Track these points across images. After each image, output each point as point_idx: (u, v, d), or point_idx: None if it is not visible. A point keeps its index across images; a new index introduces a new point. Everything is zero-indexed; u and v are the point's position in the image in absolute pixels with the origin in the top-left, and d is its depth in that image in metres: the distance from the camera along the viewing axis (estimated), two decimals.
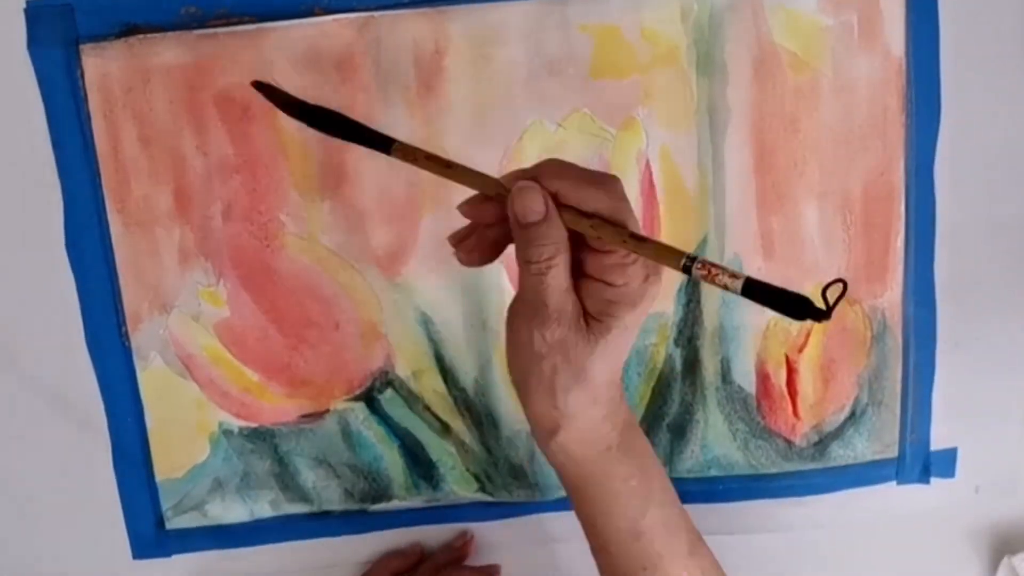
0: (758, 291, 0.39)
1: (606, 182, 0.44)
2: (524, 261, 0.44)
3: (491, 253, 0.47)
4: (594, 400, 0.46)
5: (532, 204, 0.43)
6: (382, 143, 0.47)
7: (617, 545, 0.49)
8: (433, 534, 0.63)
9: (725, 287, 0.40)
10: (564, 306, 0.44)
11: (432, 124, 0.56)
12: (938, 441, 0.63)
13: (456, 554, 0.63)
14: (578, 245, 0.44)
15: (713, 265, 0.40)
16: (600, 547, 0.50)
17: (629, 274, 0.43)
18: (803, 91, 0.58)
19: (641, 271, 0.43)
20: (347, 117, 0.47)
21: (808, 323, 0.60)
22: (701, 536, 0.51)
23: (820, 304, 0.38)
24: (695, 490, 0.63)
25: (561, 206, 0.43)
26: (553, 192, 0.43)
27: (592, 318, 0.45)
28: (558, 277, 0.44)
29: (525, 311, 0.45)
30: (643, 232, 0.44)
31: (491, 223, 0.46)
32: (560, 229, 0.43)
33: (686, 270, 0.40)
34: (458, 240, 0.48)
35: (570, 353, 0.45)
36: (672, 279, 0.59)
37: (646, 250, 0.42)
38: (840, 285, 0.39)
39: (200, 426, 0.60)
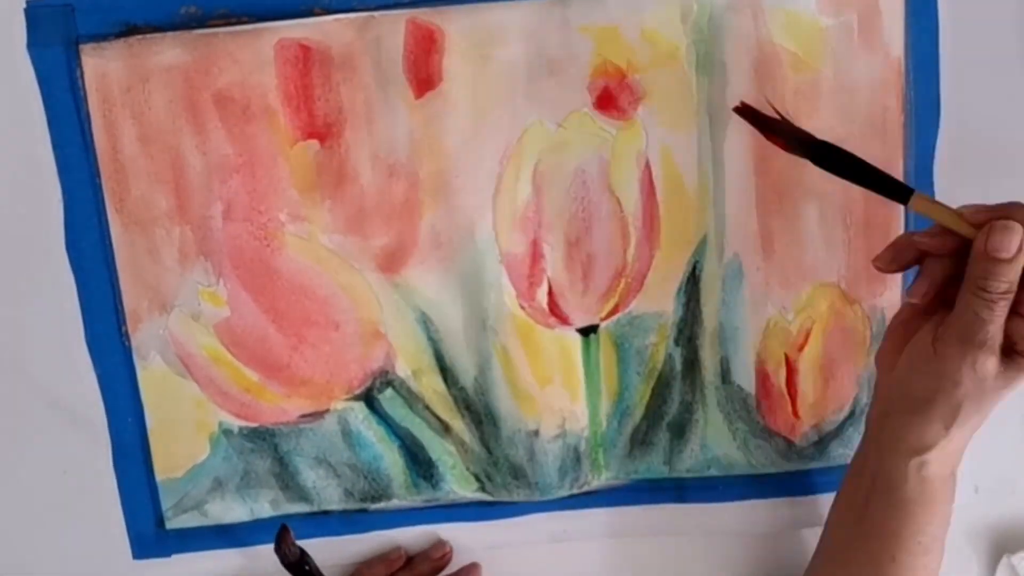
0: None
1: None
2: (978, 289, 0.48)
3: (936, 287, 0.51)
4: (976, 429, 0.51)
5: (1010, 243, 0.47)
6: (899, 192, 0.51)
7: (907, 555, 0.53)
8: (433, 534, 0.63)
9: None
10: (998, 339, 0.48)
11: (432, 124, 0.56)
12: None
13: (435, 564, 0.63)
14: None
15: None
16: (886, 556, 0.53)
17: None
18: (803, 91, 0.58)
19: None
20: (862, 160, 0.52)
21: (808, 323, 0.60)
22: None
23: None
24: (695, 489, 0.63)
25: None
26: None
27: (1017, 354, 0.48)
28: (1003, 312, 0.48)
29: (958, 336, 0.49)
30: None
31: (944, 255, 0.50)
32: (1019, 270, 0.48)
33: None
34: (895, 263, 0.53)
35: (988, 384, 0.49)
36: (671, 278, 0.59)
37: None
38: None
39: (200, 426, 0.60)
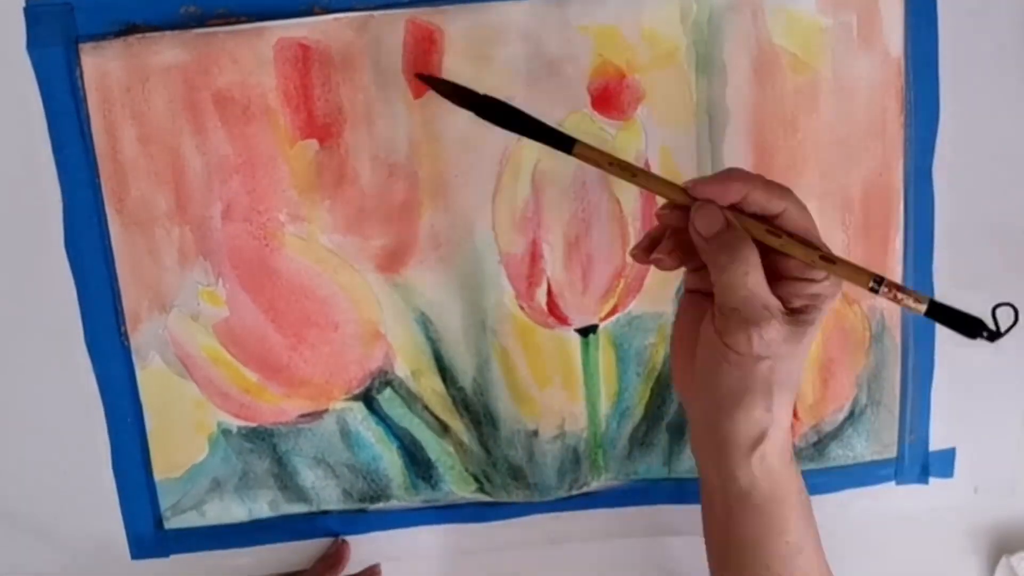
0: (940, 312, 0.44)
1: (786, 192, 0.47)
2: (719, 272, 0.46)
3: (688, 255, 0.49)
4: (791, 401, 0.48)
5: (712, 218, 0.46)
6: (563, 142, 0.50)
7: (781, 561, 0.50)
8: (432, 534, 0.63)
9: (909, 308, 0.44)
10: (771, 304, 0.46)
11: (432, 124, 0.56)
12: (937, 441, 0.63)
13: (331, 561, 0.62)
14: (766, 252, 0.47)
15: (899, 288, 0.44)
16: (759, 566, 0.50)
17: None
18: (802, 92, 0.58)
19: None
20: (525, 113, 0.51)
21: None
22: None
23: (992, 326, 0.43)
24: (695, 490, 0.62)
25: (746, 216, 0.47)
26: (738, 200, 0.46)
27: (797, 312, 0.47)
28: (757, 277, 0.46)
29: (735, 320, 0.47)
30: (827, 249, 0.47)
31: (685, 228, 0.48)
32: (743, 233, 0.46)
33: (873, 291, 0.44)
34: (647, 246, 0.50)
35: (783, 349, 0.47)
36: (671, 278, 0.59)
37: (835, 270, 0.45)
38: (1011, 309, 0.44)
39: (199, 426, 0.60)
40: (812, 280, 0.46)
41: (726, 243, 0.46)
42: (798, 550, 0.50)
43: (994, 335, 0.43)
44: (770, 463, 0.49)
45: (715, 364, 0.48)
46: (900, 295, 0.44)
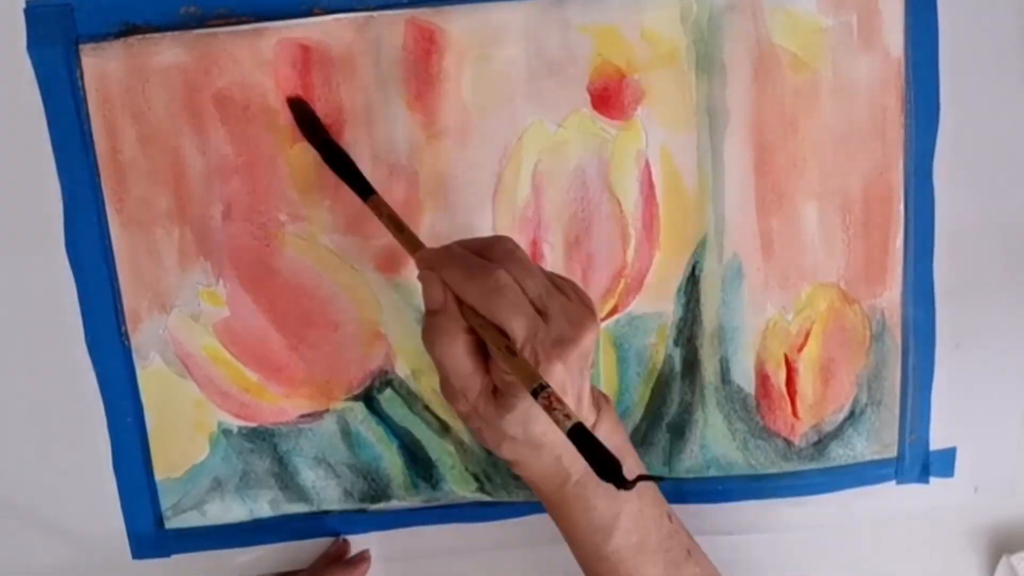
0: (581, 440, 0.41)
1: (484, 276, 0.46)
2: (429, 344, 0.48)
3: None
4: (534, 449, 0.49)
5: (433, 295, 0.48)
6: (363, 190, 0.53)
7: (586, 563, 0.53)
8: (432, 534, 0.63)
9: (557, 422, 0.42)
10: (468, 385, 0.48)
11: (431, 124, 0.56)
12: (937, 441, 0.63)
13: (330, 559, 0.63)
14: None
15: (556, 400, 0.42)
16: (576, 560, 0.54)
17: (514, 367, 0.45)
18: (803, 91, 0.58)
19: (529, 359, 0.45)
20: (347, 157, 0.55)
21: (808, 323, 0.61)
22: (692, 555, 0.54)
23: (629, 476, 0.40)
24: (694, 490, 0.63)
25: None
26: (449, 282, 0.47)
27: (500, 394, 0.48)
28: (458, 361, 0.47)
29: (441, 382, 0.50)
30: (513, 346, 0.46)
31: None
32: (457, 320, 0.47)
33: (534, 394, 0.43)
34: None
35: (483, 421, 0.49)
36: (671, 278, 0.59)
37: (510, 364, 0.45)
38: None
39: (199, 426, 0.60)
40: (506, 371, 0.47)
41: (437, 323, 0.48)
42: (597, 558, 0.52)
43: (624, 483, 0.40)
44: (532, 483, 0.52)
45: None
46: (555, 405, 0.42)
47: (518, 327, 0.46)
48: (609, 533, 0.51)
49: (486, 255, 0.48)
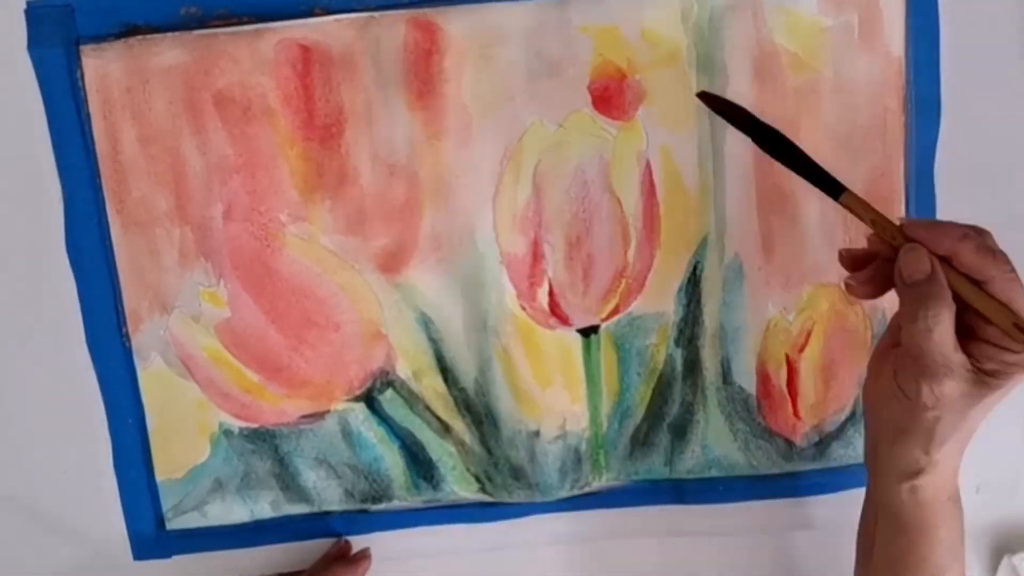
0: None
1: (1000, 259, 0.47)
2: (909, 320, 0.47)
3: (882, 288, 0.50)
4: (962, 450, 0.50)
5: (918, 265, 0.47)
6: (832, 188, 0.51)
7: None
8: (433, 534, 0.63)
9: None
10: (953, 361, 0.47)
11: (432, 124, 0.56)
12: None
13: (330, 560, 0.63)
14: (967, 307, 0.47)
15: None
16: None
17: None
18: (803, 91, 0.58)
19: None
20: (803, 152, 0.51)
21: (809, 323, 0.60)
22: None
23: None
24: (696, 490, 0.63)
25: (953, 270, 0.47)
26: (948, 254, 0.47)
27: (986, 375, 0.47)
28: (944, 334, 0.47)
29: (912, 366, 0.48)
30: None
31: (891, 257, 0.49)
32: (944, 288, 0.47)
33: None
34: (854, 264, 0.51)
35: (957, 405, 0.48)
36: (672, 279, 0.59)
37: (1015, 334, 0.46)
38: None
39: (200, 427, 0.60)
40: (1009, 349, 0.47)
41: (923, 294, 0.47)
42: None
43: None
44: (923, 497, 0.50)
45: (888, 395, 0.50)
46: None
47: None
48: (954, 558, 0.52)
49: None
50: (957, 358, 0.47)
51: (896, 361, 0.50)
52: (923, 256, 0.47)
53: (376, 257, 0.58)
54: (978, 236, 0.47)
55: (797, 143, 0.49)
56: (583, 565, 0.64)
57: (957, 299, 0.47)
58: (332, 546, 0.63)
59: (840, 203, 0.50)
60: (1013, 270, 0.47)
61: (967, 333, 0.47)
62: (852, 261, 0.52)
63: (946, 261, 0.47)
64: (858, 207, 0.50)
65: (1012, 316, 0.46)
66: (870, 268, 0.50)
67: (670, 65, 0.57)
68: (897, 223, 0.49)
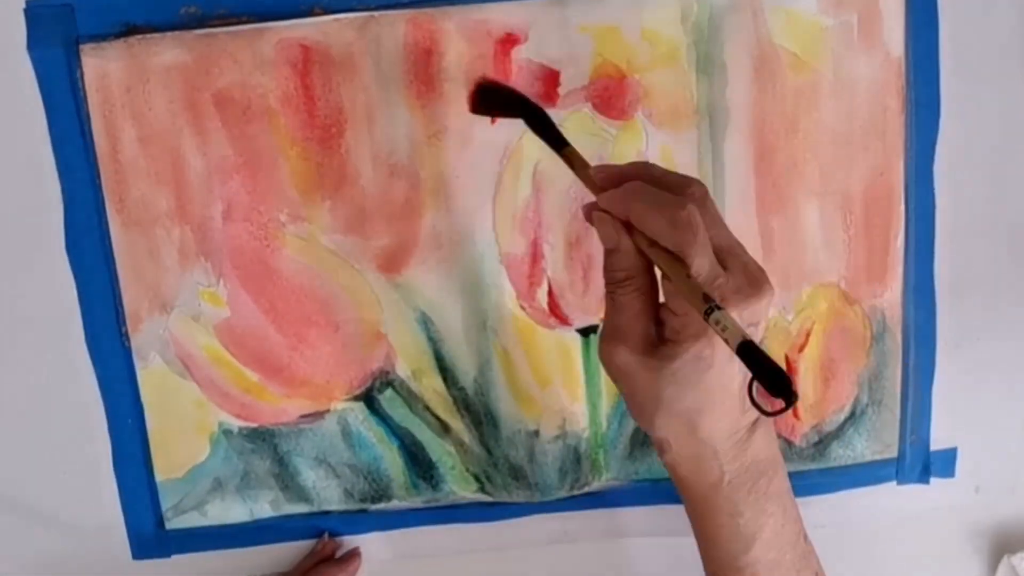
0: (750, 356, 0.40)
1: (674, 209, 0.44)
2: (605, 280, 0.47)
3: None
4: (692, 428, 0.46)
5: (606, 234, 0.46)
6: (557, 143, 0.52)
7: (719, 570, 0.51)
8: (433, 534, 0.63)
9: (728, 340, 0.41)
10: (633, 330, 0.46)
11: (432, 124, 0.56)
12: (938, 441, 0.63)
13: (317, 557, 0.63)
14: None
15: (728, 318, 0.41)
16: (706, 566, 0.52)
17: (689, 306, 0.44)
18: (803, 91, 0.58)
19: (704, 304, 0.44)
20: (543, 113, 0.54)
21: (808, 323, 0.61)
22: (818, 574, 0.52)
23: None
24: None
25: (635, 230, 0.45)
26: (625, 216, 0.46)
27: (664, 345, 0.46)
28: (629, 301, 0.46)
29: (603, 332, 0.48)
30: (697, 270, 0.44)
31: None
32: (632, 257, 0.46)
33: (706, 315, 0.42)
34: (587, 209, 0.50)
35: (639, 377, 0.46)
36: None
37: (686, 288, 0.43)
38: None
39: (200, 426, 0.60)
40: (674, 312, 0.45)
41: (612, 262, 0.47)
42: (733, 570, 0.50)
43: (792, 398, 0.39)
44: (680, 476, 0.49)
45: (605, 369, 0.49)
46: (727, 325, 0.41)
47: (701, 264, 0.43)
48: (750, 544, 0.49)
49: (675, 191, 0.46)
50: (639, 327, 0.46)
51: (601, 332, 0.49)
52: (610, 227, 0.46)
53: (376, 257, 0.58)
54: (670, 208, 0.44)
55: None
56: (582, 565, 0.64)
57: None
58: (316, 544, 0.63)
59: (561, 156, 0.51)
60: (688, 222, 0.44)
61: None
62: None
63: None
64: (577, 162, 0.50)
65: (682, 268, 0.44)
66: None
67: (670, 65, 0.57)
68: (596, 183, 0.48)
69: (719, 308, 0.41)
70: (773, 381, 0.39)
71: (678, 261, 0.44)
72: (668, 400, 0.46)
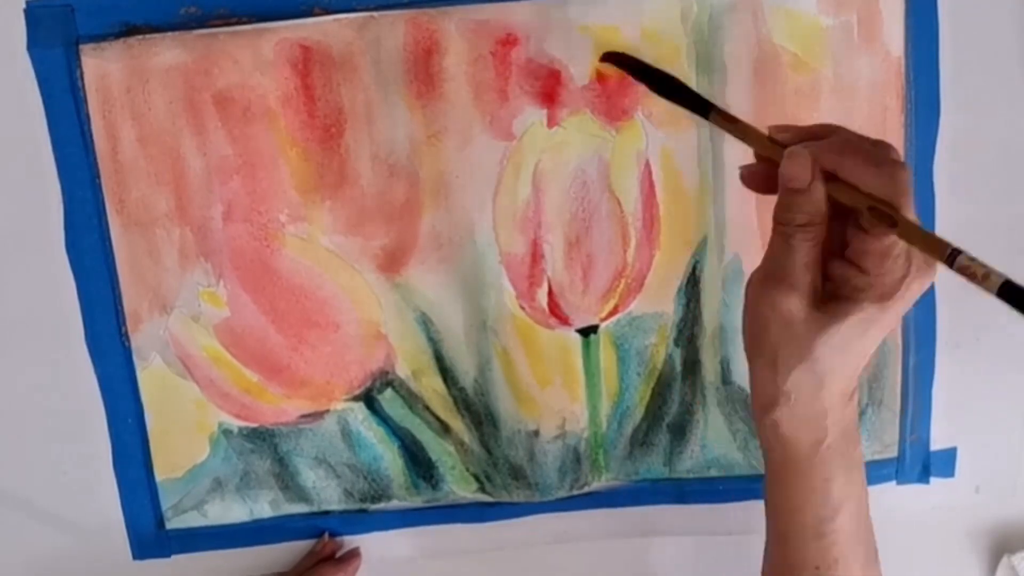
0: (1015, 295, 0.39)
1: (890, 168, 0.43)
2: (777, 221, 0.45)
3: (771, 188, 0.46)
4: (819, 386, 0.45)
5: (798, 172, 0.44)
6: (702, 107, 0.50)
7: (797, 539, 0.50)
8: (433, 534, 0.63)
9: (981, 285, 0.39)
10: (803, 278, 0.44)
11: (432, 124, 0.56)
12: (938, 441, 0.63)
13: (317, 557, 0.63)
14: (846, 225, 0.44)
15: (975, 262, 0.40)
16: (779, 536, 0.51)
17: (887, 266, 0.43)
18: (803, 91, 0.58)
19: (901, 267, 0.43)
20: (681, 83, 0.52)
21: None
22: (877, 560, 0.52)
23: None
24: (695, 490, 0.63)
25: (835, 179, 0.44)
26: (832, 167, 0.44)
27: (833, 301, 0.44)
28: (803, 247, 0.44)
29: (765, 274, 0.46)
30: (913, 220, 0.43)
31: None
32: (819, 202, 0.44)
33: (950, 260, 0.40)
34: (748, 169, 0.48)
35: (798, 328, 0.45)
36: (671, 279, 0.59)
37: (913, 235, 0.42)
38: None
39: (200, 426, 0.60)
40: (865, 271, 0.44)
41: (797, 202, 0.44)
42: (816, 536, 0.49)
43: None
44: (784, 434, 0.47)
45: (746, 315, 0.48)
46: (975, 268, 0.39)
47: (912, 214, 0.43)
48: (838, 510, 0.48)
49: (879, 149, 0.45)
50: (809, 276, 0.45)
51: (756, 271, 0.47)
52: (806, 164, 0.44)
53: (376, 257, 0.58)
54: (888, 165, 0.43)
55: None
56: (582, 565, 0.64)
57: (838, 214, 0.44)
58: (316, 544, 0.63)
59: (710, 121, 0.50)
60: (903, 181, 0.43)
61: (834, 252, 0.45)
62: (752, 178, 0.49)
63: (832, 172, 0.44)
64: (728, 126, 0.49)
65: (890, 217, 0.42)
66: (763, 168, 0.48)
67: (670, 65, 0.56)
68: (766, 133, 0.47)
69: (960, 250, 0.40)
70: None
71: (885, 217, 0.42)
72: (817, 357, 0.45)
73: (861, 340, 0.45)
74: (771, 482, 0.50)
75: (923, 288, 0.44)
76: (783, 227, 0.45)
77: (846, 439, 0.48)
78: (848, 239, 0.44)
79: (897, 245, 0.43)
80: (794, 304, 0.44)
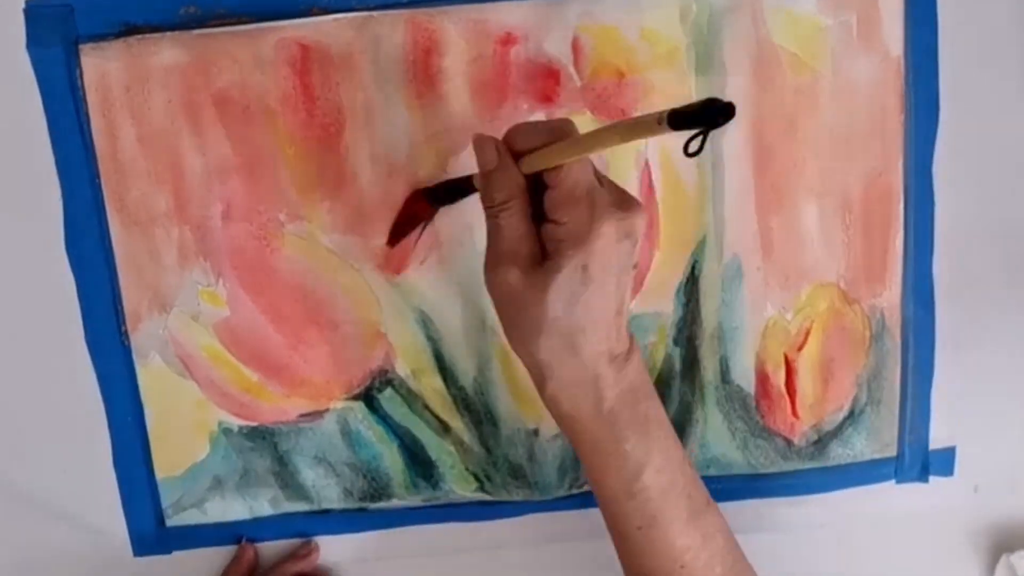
0: (679, 119, 0.38)
1: (557, 121, 0.48)
2: (484, 207, 0.49)
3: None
4: (573, 349, 0.47)
5: (488, 154, 0.48)
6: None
7: (613, 502, 0.51)
8: (432, 533, 0.63)
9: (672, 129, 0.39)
10: (518, 249, 0.48)
11: (431, 124, 0.56)
12: (937, 440, 0.63)
13: (299, 563, 0.63)
14: (540, 190, 0.47)
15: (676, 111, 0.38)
16: (602, 503, 0.52)
17: (576, 212, 0.46)
18: (802, 91, 0.58)
19: (586, 209, 0.46)
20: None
21: (807, 323, 0.61)
22: (711, 505, 0.53)
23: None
24: None
25: (520, 155, 0.48)
26: (519, 146, 0.48)
27: (547, 261, 0.47)
28: (511, 220, 0.48)
29: (488, 261, 0.49)
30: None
31: None
32: (513, 176, 0.48)
33: (672, 124, 0.39)
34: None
35: (526, 296, 0.47)
36: (671, 278, 0.60)
37: (620, 130, 0.42)
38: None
39: (200, 425, 0.60)
40: (557, 222, 0.47)
41: (493, 181, 0.48)
42: (627, 496, 0.51)
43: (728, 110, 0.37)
44: (563, 407, 0.49)
45: (494, 305, 0.50)
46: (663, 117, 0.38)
47: (583, 172, 0.46)
48: (641, 468, 0.50)
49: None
50: (525, 246, 0.48)
51: (486, 264, 0.50)
52: (490, 145, 0.48)
53: (375, 256, 0.58)
54: (547, 122, 0.50)
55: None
56: (582, 564, 0.64)
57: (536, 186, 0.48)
58: (299, 547, 0.63)
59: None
60: (572, 134, 0.47)
61: (539, 218, 0.48)
62: None
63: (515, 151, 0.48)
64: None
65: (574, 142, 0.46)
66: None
67: (669, 65, 0.57)
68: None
69: (665, 111, 0.39)
70: (709, 112, 0.38)
71: (566, 143, 0.46)
72: (552, 319, 0.47)
73: (588, 292, 0.46)
74: (578, 454, 0.52)
75: (615, 228, 0.46)
76: (489, 210, 0.49)
77: (631, 399, 0.49)
78: (544, 204, 0.47)
79: (578, 187, 0.46)
80: (513, 276, 0.48)
